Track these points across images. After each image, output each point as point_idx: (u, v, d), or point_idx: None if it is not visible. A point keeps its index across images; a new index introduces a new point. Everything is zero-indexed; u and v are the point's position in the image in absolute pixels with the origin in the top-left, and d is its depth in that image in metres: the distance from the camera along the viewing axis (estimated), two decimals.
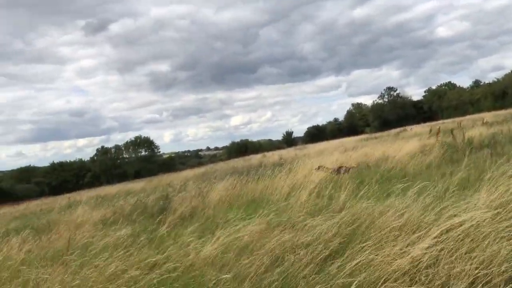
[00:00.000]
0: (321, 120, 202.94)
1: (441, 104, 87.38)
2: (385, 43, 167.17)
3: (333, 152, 19.40)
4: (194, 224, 7.94)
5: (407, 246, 3.82)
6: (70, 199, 26.95)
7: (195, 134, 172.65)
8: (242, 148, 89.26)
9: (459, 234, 3.82)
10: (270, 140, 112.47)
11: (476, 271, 3.31)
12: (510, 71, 79.41)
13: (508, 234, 3.73)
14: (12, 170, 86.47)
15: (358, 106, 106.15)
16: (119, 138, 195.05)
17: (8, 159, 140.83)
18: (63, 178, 78.31)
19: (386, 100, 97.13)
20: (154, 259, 5.54)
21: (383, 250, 3.86)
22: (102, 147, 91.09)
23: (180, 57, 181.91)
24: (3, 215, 25.10)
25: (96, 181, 74.87)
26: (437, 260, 3.53)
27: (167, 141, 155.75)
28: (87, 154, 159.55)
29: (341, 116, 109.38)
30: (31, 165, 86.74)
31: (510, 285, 3.23)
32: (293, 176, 10.98)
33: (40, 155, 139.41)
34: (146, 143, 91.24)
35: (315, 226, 5.42)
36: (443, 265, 3.40)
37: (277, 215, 6.85)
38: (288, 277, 4.01)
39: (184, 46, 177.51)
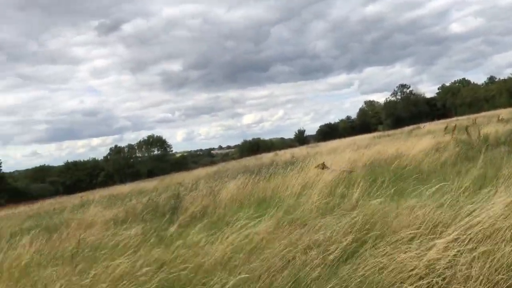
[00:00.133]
0: (334, 118, 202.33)
1: (455, 101, 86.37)
2: (397, 40, 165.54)
3: (345, 150, 19.19)
4: (204, 223, 7.88)
5: (423, 247, 3.67)
6: (82, 198, 27.13)
7: (207, 133, 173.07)
8: (254, 147, 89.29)
9: (477, 233, 3.67)
10: (282, 138, 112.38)
11: (496, 274, 3.16)
12: None
13: None
14: (27, 170, 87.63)
15: (370, 104, 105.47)
16: (132, 137, 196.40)
17: (23, 159, 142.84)
18: (77, 178, 79.05)
19: (399, 97, 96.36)
20: (163, 259, 5.48)
21: (398, 252, 3.72)
22: (115, 146, 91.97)
23: (192, 56, 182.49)
24: (18, 214, 25.32)
25: (109, 180, 75.42)
26: (454, 262, 3.38)
27: (179, 140, 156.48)
28: (101, 153, 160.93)
29: (353, 114, 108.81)
30: (46, 165, 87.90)
31: None
32: (304, 174, 10.84)
33: (55, 154, 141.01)
34: (158, 142, 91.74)
35: (326, 225, 5.30)
36: (461, 268, 3.24)
37: (288, 214, 6.74)
38: (299, 280, 3.89)
39: (196, 45, 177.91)
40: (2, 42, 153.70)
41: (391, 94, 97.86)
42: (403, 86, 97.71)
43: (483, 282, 3.14)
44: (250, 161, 34.55)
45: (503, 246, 3.47)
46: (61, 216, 14.37)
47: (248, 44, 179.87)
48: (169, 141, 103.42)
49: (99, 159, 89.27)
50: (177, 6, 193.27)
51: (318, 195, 7.81)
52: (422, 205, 4.86)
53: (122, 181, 63.33)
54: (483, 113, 48.68)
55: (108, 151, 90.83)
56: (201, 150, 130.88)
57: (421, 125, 45.31)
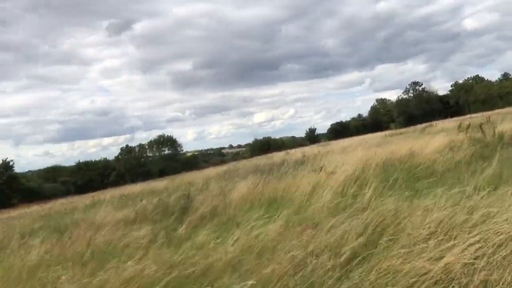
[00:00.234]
0: (345, 116, 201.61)
1: (468, 98, 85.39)
2: (410, 37, 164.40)
3: (357, 148, 18.99)
4: (214, 223, 7.82)
5: (438, 250, 3.54)
6: (94, 198, 27.25)
7: (218, 132, 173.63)
8: (265, 146, 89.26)
9: (495, 233, 3.53)
10: (293, 137, 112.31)
11: None
12: None
13: None
14: (39, 170, 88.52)
15: (382, 102, 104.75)
16: (143, 137, 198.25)
17: (36, 159, 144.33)
18: (89, 177, 79.62)
19: (411, 95, 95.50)
20: (172, 261, 5.41)
21: (412, 255, 3.59)
22: (127, 146, 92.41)
23: (202, 55, 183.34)
24: (30, 214, 25.55)
25: (120, 179, 75.81)
26: (472, 267, 3.24)
27: (190, 139, 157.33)
28: (112, 153, 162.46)
29: (365, 112, 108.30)
30: (58, 165, 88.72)
31: None
32: (316, 174, 10.72)
33: (67, 154, 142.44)
34: (169, 141, 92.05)
35: (338, 226, 5.19)
36: (480, 272, 3.11)
37: (299, 215, 6.65)
38: (312, 285, 3.78)
39: (205, 45, 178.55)
40: (15, 43, 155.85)
41: (403, 92, 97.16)
42: (415, 83, 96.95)
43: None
44: (261, 160, 34.45)
45: None
46: (71, 217, 14.41)
47: (258, 42, 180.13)
48: (180, 140, 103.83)
49: (110, 159, 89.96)
50: (186, 5, 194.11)
51: (329, 195, 7.70)
52: (437, 207, 4.71)
53: (133, 180, 63.59)
54: (497, 110, 47.93)
55: (119, 151, 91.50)
56: (211, 149, 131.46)
57: (434, 123, 44.81)
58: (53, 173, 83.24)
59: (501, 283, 3.02)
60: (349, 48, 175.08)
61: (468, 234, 3.65)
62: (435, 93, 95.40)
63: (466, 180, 6.40)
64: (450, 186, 5.59)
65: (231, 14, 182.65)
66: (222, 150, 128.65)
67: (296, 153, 34.73)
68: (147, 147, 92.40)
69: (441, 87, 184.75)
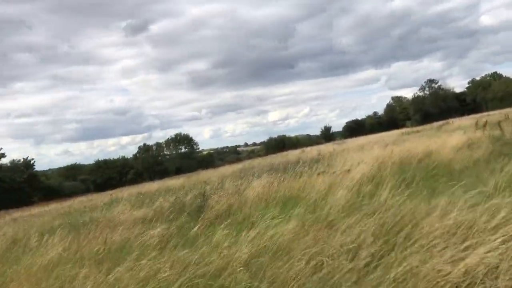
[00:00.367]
0: (360, 114, 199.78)
1: (485, 95, 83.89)
2: (426, 34, 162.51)
3: (373, 146, 18.80)
4: (229, 222, 7.80)
5: (457, 251, 3.45)
6: (112, 196, 27.51)
7: (234, 130, 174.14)
8: (279, 144, 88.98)
9: None
10: (308, 135, 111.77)
11: None
12: None
13: None
14: (59, 168, 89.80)
15: (398, 99, 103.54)
16: (160, 136, 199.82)
17: (56, 157, 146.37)
18: (108, 176, 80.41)
19: (427, 92, 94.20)
20: (187, 260, 5.41)
21: (431, 256, 3.51)
22: (144, 144, 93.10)
23: (217, 54, 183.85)
24: (49, 212, 25.89)
25: (139, 177, 76.35)
26: (496, 270, 3.14)
27: (206, 138, 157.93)
28: (130, 151, 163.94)
29: (380, 110, 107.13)
30: (77, 163, 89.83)
31: None
32: (331, 172, 10.64)
33: (86, 153, 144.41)
34: (186, 140, 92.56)
35: (354, 226, 5.12)
36: (504, 276, 3.01)
37: (314, 214, 6.58)
38: (329, 286, 3.72)
39: (221, 44, 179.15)
40: (36, 45, 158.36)
41: (419, 89, 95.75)
42: (431, 81, 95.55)
43: None
44: (276, 158, 34.39)
45: None
46: (90, 215, 14.56)
47: (273, 41, 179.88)
48: (196, 138, 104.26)
49: (129, 157, 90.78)
50: (202, 5, 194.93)
51: (345, 194, 7.63)
52: (456, 207, 4.60)
53: (151, 178, 63.98)
54: None
55: (137, 149, 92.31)
56: (227, 147, 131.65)
57: (450, 120, 44.13)
58: (73, 171, 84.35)
59: None
60: (365, 46, 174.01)
61: (491, 235, 3.54)
62: (451, 90, 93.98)
63: (485, 178, 6.26)
64: (469, 185, 5.47)
65: (246, 14, 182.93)
66: (238, 148, 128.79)
67: (311, 151, 34.56)
68: (164, 145, 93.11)
69: (458, 84, 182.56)
